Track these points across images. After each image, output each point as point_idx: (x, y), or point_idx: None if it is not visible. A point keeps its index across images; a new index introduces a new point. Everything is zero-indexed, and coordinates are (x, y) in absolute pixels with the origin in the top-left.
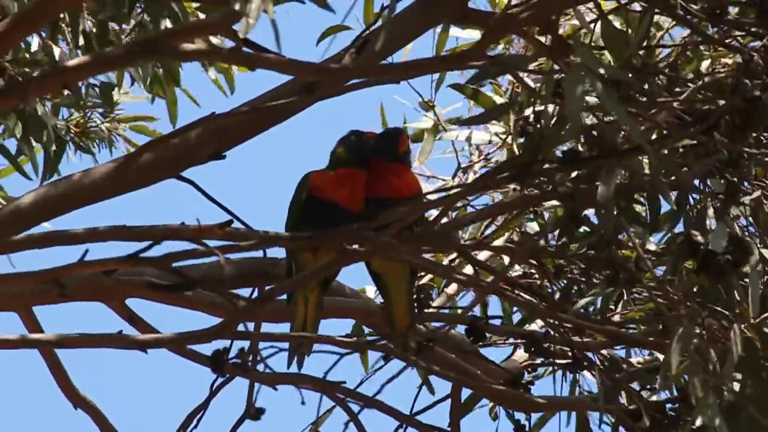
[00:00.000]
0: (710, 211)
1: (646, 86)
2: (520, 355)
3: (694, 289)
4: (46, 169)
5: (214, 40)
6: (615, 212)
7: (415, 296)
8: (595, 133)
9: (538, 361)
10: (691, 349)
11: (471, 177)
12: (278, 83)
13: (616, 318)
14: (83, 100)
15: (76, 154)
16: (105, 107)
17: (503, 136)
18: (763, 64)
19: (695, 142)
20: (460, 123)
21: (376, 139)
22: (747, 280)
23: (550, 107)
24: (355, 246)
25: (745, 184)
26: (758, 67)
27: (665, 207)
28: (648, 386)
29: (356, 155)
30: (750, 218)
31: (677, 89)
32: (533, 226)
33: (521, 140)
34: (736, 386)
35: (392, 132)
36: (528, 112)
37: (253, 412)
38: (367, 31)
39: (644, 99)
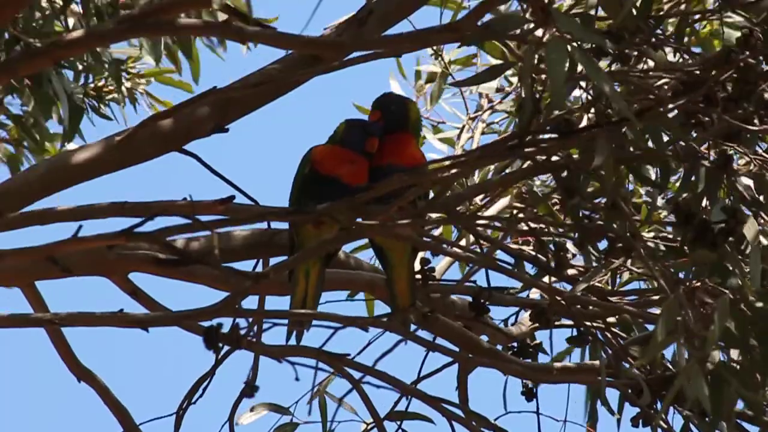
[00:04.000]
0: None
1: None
2: (526, 317)
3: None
4: (64, 140)
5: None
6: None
7: (418, 269)
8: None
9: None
10: (679, 320)
11: (479, 125)
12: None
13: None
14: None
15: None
16: (112, 80)
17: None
18: (762, 38)
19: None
20: (459, 84)
21: (382, 113)
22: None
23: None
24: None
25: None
26: (758, 42)
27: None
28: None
29: (349, 143)
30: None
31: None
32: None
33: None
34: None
35: (398, 100)
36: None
37: (247, 390)
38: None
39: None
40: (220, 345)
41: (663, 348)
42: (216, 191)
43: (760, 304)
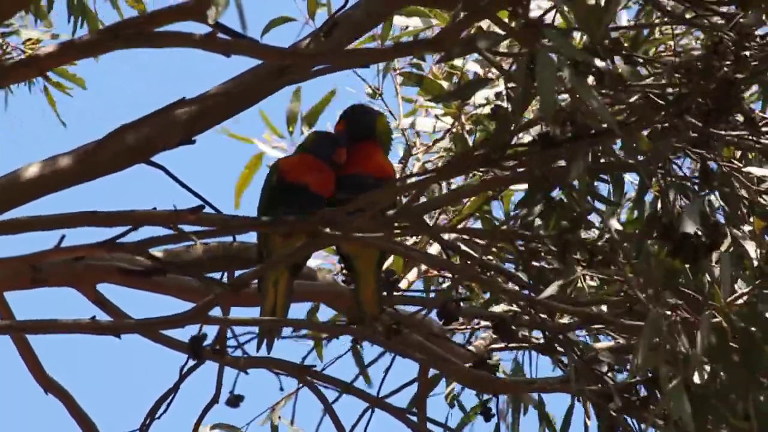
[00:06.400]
0: (672, 193)
1: (617, 68)
2: (487, 337)
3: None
4: None
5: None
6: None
7: (384, 280)
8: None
9: (502, 345)
10: (661, 336)
11: (415, 163)
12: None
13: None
14: None
15: None
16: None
17: (449, 123)
18: (732, 45)
19: (666, 124)
20: (439, 99)
21: (347, 125)
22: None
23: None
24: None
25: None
26: (727, 49)
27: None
28: (616, 368)
29: (317, 154)
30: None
31: (647, 69)
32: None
33: (492, 123)
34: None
35: (360, 111)
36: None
37: (232, 399)
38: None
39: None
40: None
41: (646, 366)
42: (180, 204)
43: (741, 324)
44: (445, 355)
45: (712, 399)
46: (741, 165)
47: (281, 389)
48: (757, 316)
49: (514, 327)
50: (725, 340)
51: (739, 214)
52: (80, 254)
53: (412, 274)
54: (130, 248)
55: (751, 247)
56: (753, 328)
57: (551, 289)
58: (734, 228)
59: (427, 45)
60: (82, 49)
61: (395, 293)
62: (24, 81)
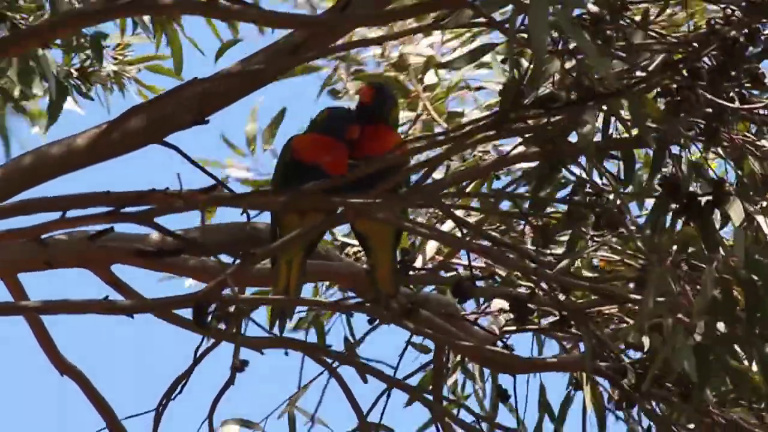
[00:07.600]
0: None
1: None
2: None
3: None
4: (51, 117)
5: None
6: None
7: (400, 258)
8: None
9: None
10: (667, 291)
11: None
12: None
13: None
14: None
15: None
16: (94, 59)
17: None
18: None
19: (677, 93)
20: (442, 66)
21: (376, 93)
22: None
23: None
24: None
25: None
26: (738, 22)
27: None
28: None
29: (329, 131)
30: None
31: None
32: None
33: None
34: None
35: (389, 90)
36: None
37: (238, 364)
38: None
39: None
40: (209, 324)
41: (652, 317)
42: (194, 183)
43: (746, 275)
44: (460, 334)
45: (717, 350)
46: (755, 139)
47: (286, 354)
48: (762, 267)
49: (530, 306)
50: (730, 293)
51: (752, 183)
52: (85, 224)
53: (430, 250)
54: (137, 217)
55: (764, 222)
56: (755, 277)
57: (563, 264)
58: (747, 202)
59: (430, 5)
60: (83, 17)
61: (411, 272)
62: (27, 52)
